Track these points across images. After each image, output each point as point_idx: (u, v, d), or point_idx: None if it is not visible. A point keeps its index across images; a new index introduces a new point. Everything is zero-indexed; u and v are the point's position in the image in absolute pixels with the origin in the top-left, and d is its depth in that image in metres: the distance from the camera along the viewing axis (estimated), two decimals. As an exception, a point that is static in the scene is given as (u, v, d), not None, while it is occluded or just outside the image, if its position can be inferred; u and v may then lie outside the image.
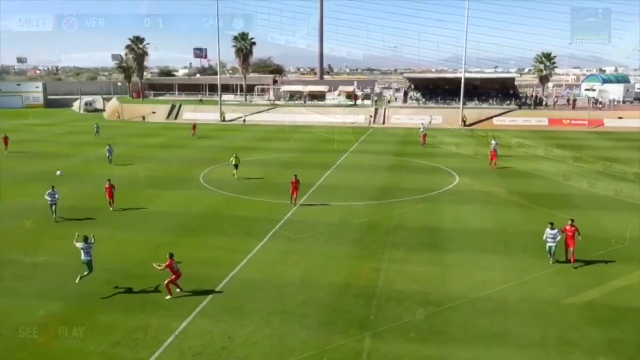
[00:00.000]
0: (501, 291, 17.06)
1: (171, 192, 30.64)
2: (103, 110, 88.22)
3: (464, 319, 15.19)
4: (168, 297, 16.39)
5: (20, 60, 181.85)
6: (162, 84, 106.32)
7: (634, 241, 21.25)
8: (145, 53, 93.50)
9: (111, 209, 26.07)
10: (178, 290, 16.72)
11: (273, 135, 59.74)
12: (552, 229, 19.07)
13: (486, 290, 17.07)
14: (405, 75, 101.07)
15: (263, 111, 78.08)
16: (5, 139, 44.79)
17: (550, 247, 19.24)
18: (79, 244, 17.20)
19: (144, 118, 77.21)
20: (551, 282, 17.71)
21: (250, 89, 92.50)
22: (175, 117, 78.20)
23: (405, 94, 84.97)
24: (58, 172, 22.10)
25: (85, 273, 17.22)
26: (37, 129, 63.45)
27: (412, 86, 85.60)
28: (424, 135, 50.03)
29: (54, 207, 24.27)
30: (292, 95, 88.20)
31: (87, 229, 22.79)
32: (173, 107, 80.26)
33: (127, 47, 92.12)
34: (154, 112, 78.42)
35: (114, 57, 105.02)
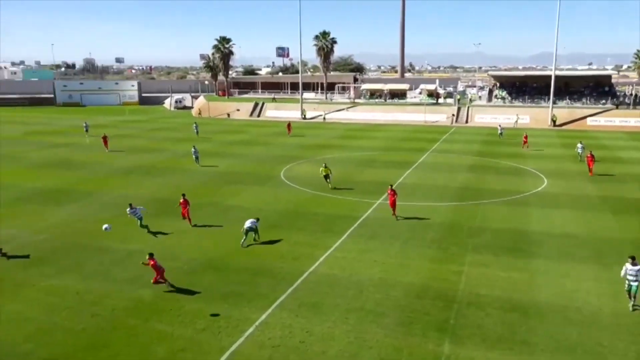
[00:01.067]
0: (593, 303, 16.02)
1: (253, 188, 31.54)
2: (191, 107, 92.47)
3: (551, 329, 14.41)
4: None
5: (118, 60, 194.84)
6: (246, 83, 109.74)
7: None
8: (230, 52, 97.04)
9: (190, 225, 23.85)
10: (165, 284, 17.06)
11: (353, 133, 59.84)
12: (633, 264, 15.29)
13: (576, 301, 16.10)
14: (490, 73, 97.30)
15: (343, 109, 78.41)
16: (105, 139, 46.48)
17: (631, 286, 15.32)
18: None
19: (228, 115, 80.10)
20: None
21: (330, 87, 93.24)
22: (259, 115, 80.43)
23: (490, 92, 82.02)
24: (105, 227, 20.58)
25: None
26: (132, 125, 67.68)
27: (498, 84, 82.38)
28: (526, 137, 47.35)
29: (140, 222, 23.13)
30: (373, 94, 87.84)
31: (174, 221, 24.04)
32: (256, 104, 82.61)
33: (214, 47, 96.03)
34: (238, 110, 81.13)
35: (202, 56, 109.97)
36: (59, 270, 18.51)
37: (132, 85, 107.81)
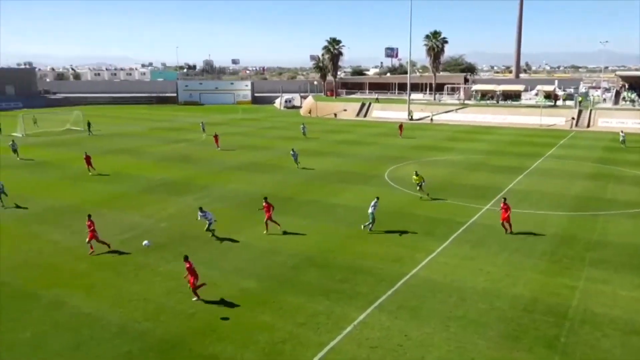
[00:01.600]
0: None
1: (357, 187, 31.71)
2: (300, 107, 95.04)
3: (681, 358, 12.92)
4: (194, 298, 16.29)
5: (234, 61, 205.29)
6: (354, 83, 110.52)
7: None
8: (340, 53, 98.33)
9: (279, 227, 23.13)
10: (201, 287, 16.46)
11: (461, 135, 57.99)
12: None
13: None
14: (618, 73, 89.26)
15: (452, 110, 76.24)
16: (216, 137, 47.85)
17: None
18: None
19: (335, 115, 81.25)
20: None
21: (439, 87, 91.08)
22: (365, 115, 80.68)
23: (617, 94, 75.23)
24: (144, 243, 19.58)
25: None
26: (244, 123, 71.08)
27: (626, 86, 75.35)
28: None
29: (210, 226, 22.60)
30: (484, 95, 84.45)
31: (277, 216, 24.83)
32: (363, 105, 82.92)
33: (324, 48, 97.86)
34: (345, 110, 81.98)
35: (312, 57, 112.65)
36: (175, 257, 19.94)
37: (246, 85, 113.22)
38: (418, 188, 28.80)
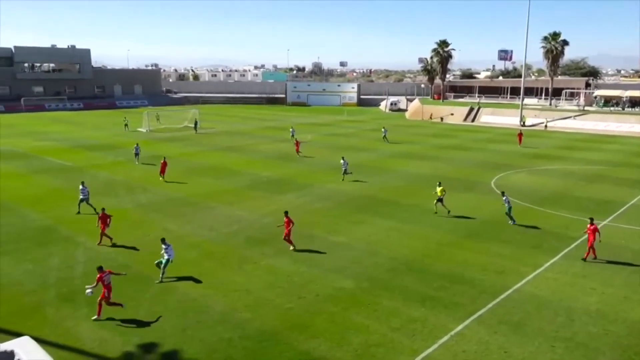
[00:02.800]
0: None
1: (460, 194, 30.72)
2: (406, 110, 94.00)
3: None
4: (94, 317, 14.99)
5: (342, 64, 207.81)
6: (463, 86, 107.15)
7: None
8: (449, 56, 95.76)
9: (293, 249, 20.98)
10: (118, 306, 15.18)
11: (578, 144, 53.98)
12: None
13: None
14: None
15: (569, 117, 71.23)
16: (297, 144, 44.64)
17: None
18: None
19: (441, 119, 79.32)
20: None
21: (556, 92, 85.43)
22: (473, 120, 77.90)
23: None
24: (87, 292, 15.50)
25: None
26: (349, 125, 71.72)
27: None
28: None
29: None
30: (608, 101, 77.92)
31: (376, 218, 24.76)
32: (471, 109, 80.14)
33: (433, 50, 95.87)
34: (452, 114, 79.75)
35: (420, 60, 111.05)
36: (275, 252, 20.65)
37: (352, 88, 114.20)
38: (437, 202, 26.07)
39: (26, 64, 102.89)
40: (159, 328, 14.62)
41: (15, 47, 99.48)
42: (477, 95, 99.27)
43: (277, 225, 22.00)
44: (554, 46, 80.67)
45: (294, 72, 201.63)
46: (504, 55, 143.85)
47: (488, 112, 78.60)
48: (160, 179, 33.49)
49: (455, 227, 23.96)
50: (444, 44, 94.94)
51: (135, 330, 14.47)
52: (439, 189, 26.16)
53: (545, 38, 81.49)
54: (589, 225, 19.91)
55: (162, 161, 34.60)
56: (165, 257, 17.64)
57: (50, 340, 13.75)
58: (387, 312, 15.57)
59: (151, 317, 15.21)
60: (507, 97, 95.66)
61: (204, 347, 13.67)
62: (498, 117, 75.96)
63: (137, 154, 40.33)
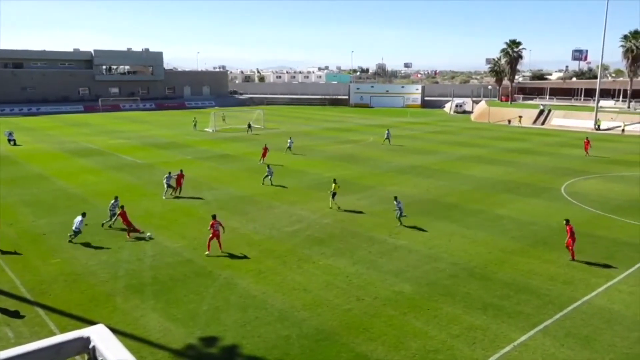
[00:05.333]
0: None
1: (528, 200, 29.60)
2: (471, 112, 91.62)
3: None
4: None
5: (406, 65, 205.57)
6: (533, 88, 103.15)
7: None
8: (519, 56, 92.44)
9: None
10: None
11: (660, 149, 50.53)
12: None
13: None
14: None
15: (650, 121, 66.82)
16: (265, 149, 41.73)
17: None
18: None
19: (509, 122, 76.71)
20: None
21: (636, 94, 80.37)
22: (543, 123, 74.81)
23: None
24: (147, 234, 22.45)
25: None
26: (413, 127, 70.81)
27: None
28: None
29: None
30: (694, 104, 72.43)
31: (440, 222, 24.29)
32: (542, 111, 76.98)
33: (502, 50, 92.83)
34: (520, 116, 76.93)
35: (488, 61, 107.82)
36: (334, 252, 20.73)
37: (416, 89, 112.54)
38: (332, 196, 27.26)
39: (104, 67, 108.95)
40: (220, 322, 15.05)
41: (95, 50, 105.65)
42: (547, 97, 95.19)
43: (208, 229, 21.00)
44: (635, 45, 75.98)
45: (358, 73, 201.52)
46: (579, 55, 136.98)
47: (560, 115, 75.16)
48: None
49: (522, 234, 23.10)
50: (514, 43, 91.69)
51: (198, 323, 14.98)
52: (333, 185, 27.58)
53: (625, 37, 76.97)
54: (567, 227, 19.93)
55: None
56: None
57: (119, 328, 14.50)
58: (447, 319, 15.26)
59: (213, 312, 15.69)
60: (580, 100, 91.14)
61: (263, 343, 13.94)
62: (571, 120, 72.51)
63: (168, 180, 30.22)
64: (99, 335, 5.46)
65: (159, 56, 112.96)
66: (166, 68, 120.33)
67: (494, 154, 46.58)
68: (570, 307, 15.96)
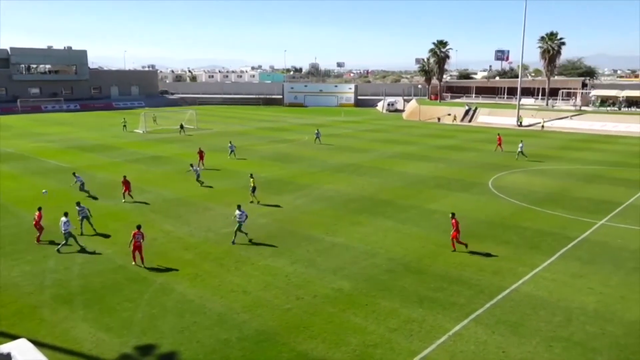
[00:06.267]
0: None
1: (457, 194, 30.77)
2: (403, 110, 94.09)
3: None
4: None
5: (339, 64, 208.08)
6: (460, 87, 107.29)
7: None
8: (447, 56, 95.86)
9: None
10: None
11: (575, 144, 54.13)
12: None
13: None
14: None
15: (566, 117, 71.44)
16: (201, 153, 41.11)
17: None
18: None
19: (439, 119, 79.44)
20: None
21: (553, 92, 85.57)
22: (470, 120, 78.04)
23: None
24: (43, 191, 27.28)
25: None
26: (346, 126, 71.75)
27: None
28: None
29: (82, 222, 22.75)
30: (604, 101, 78.20)
31: (374, 220, 24.75)
32: (468, 110, 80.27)
33: (430, 50, 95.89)
34: (449, 114, 79.89)
35: (417, 60, 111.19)
36: (273, 252, 20.63)
37: (349, 88, 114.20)
38: (251, 191, 28.66)
39: (22, 65, 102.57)
40: (156, 329, 14.58)
41: (11, 48, 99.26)
42: (474, 95, 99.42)
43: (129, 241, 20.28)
44: (551, 46, 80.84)
45: (291, 73, 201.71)
46: (501, 55, 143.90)
47: (485, 113, 78.75)
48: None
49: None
50: (441, 44, 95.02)
51: (133, 332, 14.43)
52: (251, 180, 28.90)
53: (542, 38, 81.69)
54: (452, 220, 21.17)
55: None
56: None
57: (48, 342, 13.71)
58: (385, 313, 15.57)
59: (149, 319, 15.17)
60: (504, 98, 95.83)
61: (202, 348, 13.64)
62: (495, 117, 76.13)
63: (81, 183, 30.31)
64: (21, 350, 5.15)
65: (82, 54, 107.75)
66: (91, 67, 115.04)
67: (425, 151, 48.07)
68: (500, 296, 16.74)
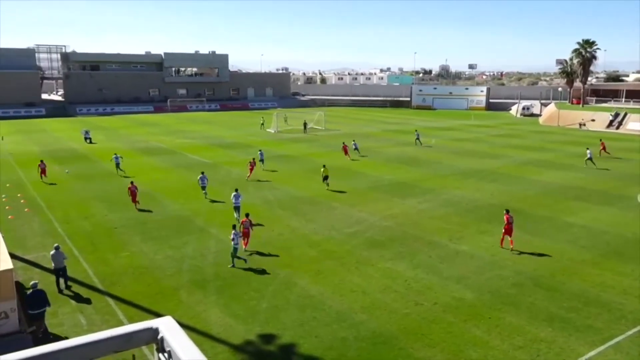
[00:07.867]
0: None
1: (599, 207, 28.10)
2: (539, 115, 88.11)
3: None
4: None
5: (471, 66, 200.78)
6: (607, 90, 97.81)
7: None
8: (593, 57, 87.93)
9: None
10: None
11: None
12: None
13: None
14: None
15: None
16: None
17: None
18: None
19: (580, 125, 73.14)
20: None
21: None
22: (618, 127, 70.79)
23: None
24: (66, 170, 30.79)
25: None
26: (476, 130, 68.94)
27: None
28: None
29: None
30: None
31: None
32: (617, 115, 72.85)
33: (574, 50, 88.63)
34: (593, 120, 73.16)
35: (558, 62, 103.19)
36: (394, 255, 20.53)
37: (481, 91, 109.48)
38: (324, 181, 31.91)
39: (173, 69, 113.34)
40: (279, 320, 15.27)
41: (165, 53, 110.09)
42: (623, 100, 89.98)
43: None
44: None
45: (420, 75, 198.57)
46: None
47: (636, 119, 70.81)
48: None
49: (593, 244, 21.96)
50: (587, 43, 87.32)
51: (257, 321, 15.27)
52: (322, 169, 32.50)
53: None
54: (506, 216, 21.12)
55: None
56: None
57: (183, 321, 15.00)
58: (510, 329, 14.74)
59: (273, 310, 15.94)
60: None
61: (320, 343, 14.01)
62: (649, 124, 68.17)
63: (117, 164, 36.83)
64: (167, 327, 5.70)
65: (224, 58, 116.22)
66: (231, 70, 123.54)
67: (562, 159, 44.58)
68: (646, 323, 15.01)
